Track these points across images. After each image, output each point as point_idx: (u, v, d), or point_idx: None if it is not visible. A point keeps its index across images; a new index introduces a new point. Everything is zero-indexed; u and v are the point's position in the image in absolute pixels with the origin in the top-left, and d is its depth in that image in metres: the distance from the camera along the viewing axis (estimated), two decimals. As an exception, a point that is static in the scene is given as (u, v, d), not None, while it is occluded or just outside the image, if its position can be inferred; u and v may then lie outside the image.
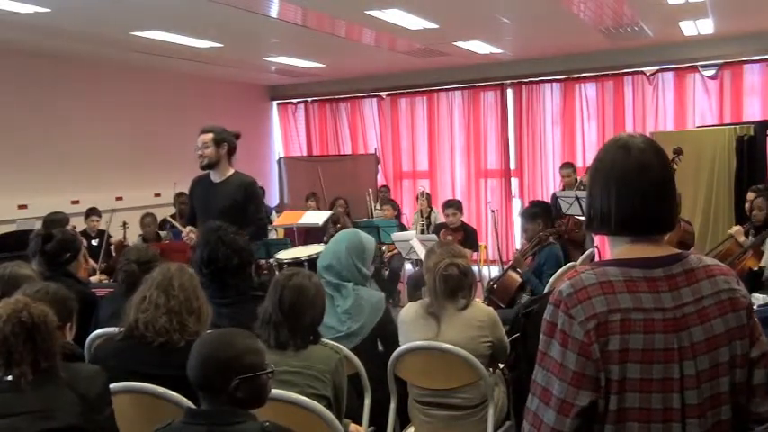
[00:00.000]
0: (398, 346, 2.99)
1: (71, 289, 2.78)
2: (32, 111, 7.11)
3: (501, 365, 3.22)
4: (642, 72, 8.82)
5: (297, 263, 4.58)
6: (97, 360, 2.40)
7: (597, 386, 1.34)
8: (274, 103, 11.13)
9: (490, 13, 6.31)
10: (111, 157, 7.88)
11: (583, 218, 4.61)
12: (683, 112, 8.71)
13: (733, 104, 8.46)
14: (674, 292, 1.38)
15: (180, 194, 7.10)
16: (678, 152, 5.09)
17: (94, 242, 6.78)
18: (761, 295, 3.79)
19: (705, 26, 7.25)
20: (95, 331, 3.04)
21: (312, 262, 4.36)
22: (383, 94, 10.41)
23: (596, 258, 5.31)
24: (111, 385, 2.14)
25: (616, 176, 1.42)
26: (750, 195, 5.20)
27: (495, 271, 7.39)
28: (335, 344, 2.65)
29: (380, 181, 10.12)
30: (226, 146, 4.37)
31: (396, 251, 7.07)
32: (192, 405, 2.11)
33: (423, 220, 7.87)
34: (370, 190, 9.03)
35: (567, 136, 9.33)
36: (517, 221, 8.81)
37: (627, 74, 8.90)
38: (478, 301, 3.17)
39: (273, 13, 5.86)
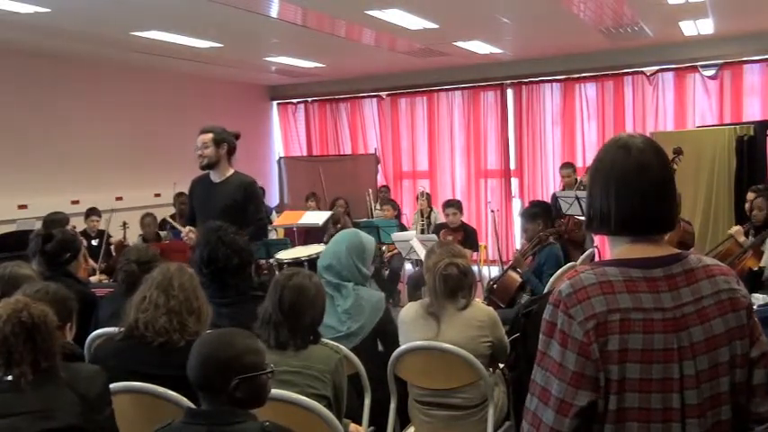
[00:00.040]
0: (398, 346, 2.99)
1: (71, 289, 2.78)
2: (32, 111, 7.11)
3: (501, 365, 3.22)
4: (642, 72, 8.81)
5: (297, 263, 4.57)
6: (97, 360, 2.40)
7: (596, 386, 1.33)
8: (274, 103, 11.12)
9: (490, 13, 6.31)
10: (111, 157, 7.88)
11: (583, 218, 4.59)
12: (683, 112, 8.71)
13: (733, 104, 8.45)
14: (673, 292, 1.38)
15: (180, 194, 7.10)
16: (678, 152, 5.08)
17: (94, 242, 6.78)
18: (761, 295, 3.79)
19: (705, 26, 7.25)
20: (95, 331, 3.04)
21: (312, 262, 4.37)
22: (383, 94, 10.40)
23: (596, 258, 5.31)
24: (111, 385, 2.14)
25: (616, 176, 1.42)
26: (750, 195, 5.20)
27: (495, 271, 7.38)
28: (335, 344, 2.65)
29: (380, 181, 10.12)
30: (225, 146, 4.37)
31: (396, 251, 7.07)
32: (192, 405, 2.11)
33: (423, 220, 7.87)
34: (371, 190, 9.03)
35: (567, 136, 9.32)
36: (517, 221, 8.81)
37: (627, 74, 8.90)
38: (478, 301, 3.17)
39: (273, 13, 5.86)
